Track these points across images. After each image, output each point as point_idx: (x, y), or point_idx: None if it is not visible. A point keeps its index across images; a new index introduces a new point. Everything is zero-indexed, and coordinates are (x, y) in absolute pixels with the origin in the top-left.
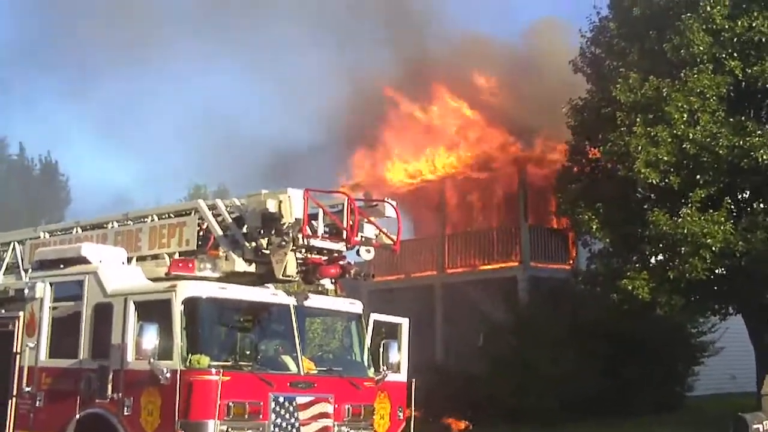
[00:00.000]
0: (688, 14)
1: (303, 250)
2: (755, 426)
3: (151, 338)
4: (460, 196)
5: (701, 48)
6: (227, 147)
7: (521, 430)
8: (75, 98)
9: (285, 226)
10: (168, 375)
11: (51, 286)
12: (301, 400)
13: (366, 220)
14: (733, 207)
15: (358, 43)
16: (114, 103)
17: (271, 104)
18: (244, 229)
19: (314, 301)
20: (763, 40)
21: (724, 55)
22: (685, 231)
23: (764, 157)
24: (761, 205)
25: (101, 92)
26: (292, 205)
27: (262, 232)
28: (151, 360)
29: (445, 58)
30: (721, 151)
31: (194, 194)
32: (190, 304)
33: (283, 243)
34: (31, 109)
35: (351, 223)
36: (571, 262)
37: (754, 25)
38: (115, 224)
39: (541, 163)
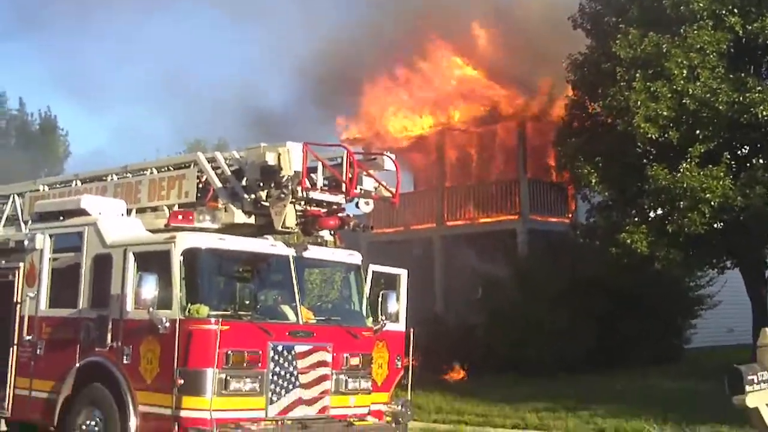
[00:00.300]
0: None
1: (302, 203)
2: (750, 377)
3: (150, 288)
4: (460, 149)
5: (701, 4)
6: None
7: (518, 382)
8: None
9: (284, 179)
10: (167, 324)
11: (51, 237)
12: (299, 348)
13: (365, 173)
14: (732, 162)
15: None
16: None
17: (269, 58)
18: (244, 182)
19: (313, 252)
20: None
21: (724, 12)
22: (684, 186)
23: (764, 113)
24: (760, 161)
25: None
26: (291, 158)
27: (261, 184)
28: (151, 309)
29: (443, 11)
30: (720, 107)
31: (193, 148)
32: (190, 254)
33: (282, 195)
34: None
35: (350, 175)
36: (570, 215)
37: None
38: (115, 177)
39: (541, 118)
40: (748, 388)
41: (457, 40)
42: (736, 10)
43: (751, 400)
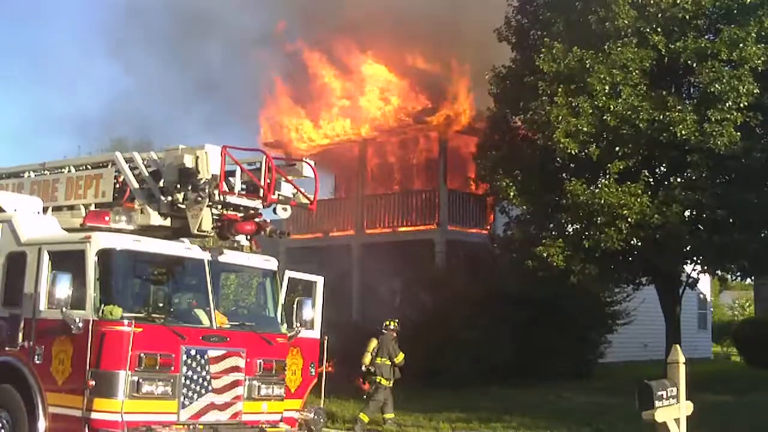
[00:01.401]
0: None
1: (219, 206)
2: (659, 392)
3: (64, 288)
4: (381, 157)
5: (626, 21)
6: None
7: (435, 391)
8: None
9: (201, 182)
10: (80, 325)
11: None
12: (212, 353)
13: (284, 178)
14: (650, 180)
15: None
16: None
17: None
18: (161, 183)
19: (229, 256)
20: (687, 17)
21: (648, 30)
22: (602, 201)
23: (683, 132)
24: (678, 179)
25: None
26: (209, 160)
27: (178, 186)
28: (64, 309)
29: (369, 19)
30: (641, 125)
31: (115, 146)
32: (104, 255)
33: (199, 198)
34: None
35: (268, 181)
36: (489, 227)
37: (678, 1)
38: (32, 174)
39: (463, 129)
40: (657, 403)
41: (382, 49)
42: (660, 29)
43: (660, 415)
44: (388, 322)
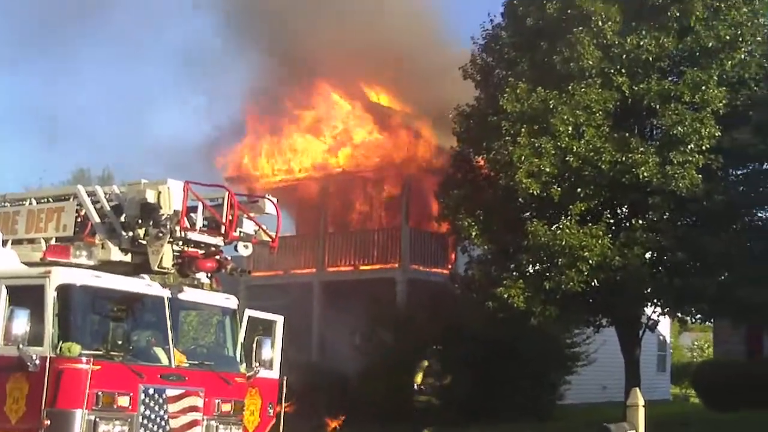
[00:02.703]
0: (580, 28)
1: (180, 243)
2: None
3: (21, 323)
4: (343, 195)
5: (591, 62)
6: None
7: (393, 429)
8: None
9: (163, 218)
10: (37, 362)
11: None
12: (171, 392)
13: (246, 215)
14: (611, 221)
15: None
16: None
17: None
18: (123, 218)
19: (189, 294)
20: (650, 59)
21: (612, 71)
22: (563, 243)
23: (645, 174)
24: (639, 222)
25: None
26: (171, 196)
27: (140, 221)
28: (20, 346)
29: (334, 57)
30: (603, 166)
31: (78, 178)
32: (64, 291)
33: (160, 234)
34: None
35: (230, 217)
36: (450, 266)
37: (641, 43)
38: None
39: (426, 167)
40: None
41: (346, 86)
42: (624, 70)
43: None
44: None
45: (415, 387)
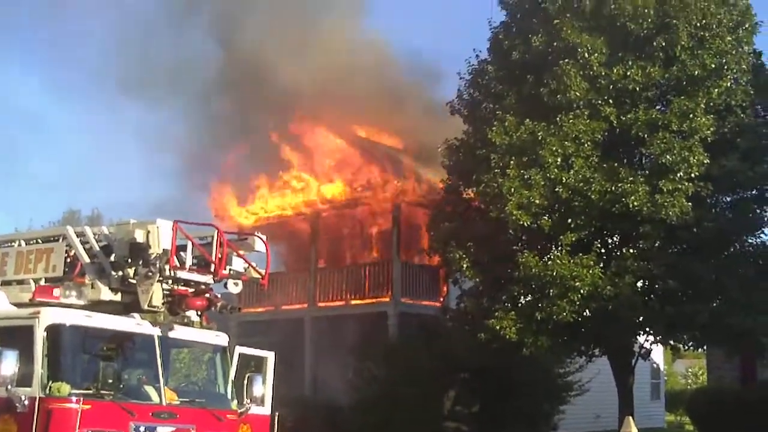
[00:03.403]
0: (566, 60)
1: (170, 282)
2: None
3: (10, 364)
4: (334, 230)
5: (578, 94)
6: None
7: None
8: None
9: (152, 257)
10: (26, 402)
11: None
12: (162, 430)
13: (235, 253)
14: (602, 251)
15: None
16: None
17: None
18: (112, 258)
19: (179, 332)
20: (637, 89)
21: (600, 102)
22: (554, 273)
23: (635, 203)
24: (630, 250)
25: None
26: (160, 235)
27: (129, 261)
28: (9, 387)
29: (321, 88)
30: (593, 196)
31: (68, 219)
32: (53, 331)
33: (150, 273)
34: None
35: (219, 256)
36: (442, 299)
37: (628, 73)
38: None
39: (416, 201)
40: None
41: (333, 120)
42: (611, 101)
43: None
44: None
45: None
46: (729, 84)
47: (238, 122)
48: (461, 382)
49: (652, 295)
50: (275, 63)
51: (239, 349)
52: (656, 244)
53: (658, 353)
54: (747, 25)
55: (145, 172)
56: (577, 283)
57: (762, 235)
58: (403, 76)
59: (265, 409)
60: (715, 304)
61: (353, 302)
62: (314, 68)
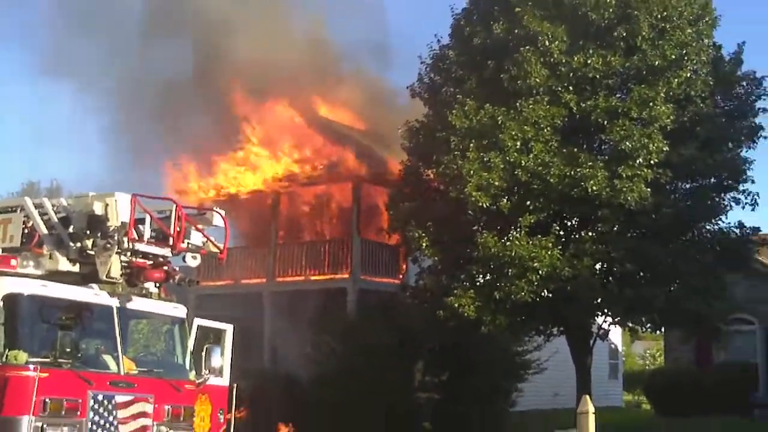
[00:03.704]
0: (527, 47)
1: (128, 254)
2: None
3: None
4: (294, 205)
5: (538, 80)
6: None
7: None
8: None
9: (111, 229)
10: None
11: None
12: (120, 398)
13: (194, 227)
14: (561, 233)
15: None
16: None
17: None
18: (70, 230)
19: (137, 303)
20: (597, 76)
21: (560, 88)
22: (513, 254)
23: (593, 187)
24: (589, 233)
25: None
26: (119, 208)
27: (87, 233)
28: None
29: (285, 65)
30: (552, 180)
31: (26, 191)
32: (10, 300)
33: (108, 245)
34: None
35: (178, 229)
36: (401, 276)
37: (589, 62)
38: None
39: (376, 179)
40: None
41: (296, 97)
42: (571, 88)
43: None
44: None
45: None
46: (689, 74)
47: (194, 96)
48: (419, 358)
49: (610, 278)
50: (236, 33)
51: (198, 321)
52: (615, 228)
53: (616, 334)
54: (707, 19)
55: (101, 147)
56: (536, 264)
57: (720, 222)
58: (364, 58)
59: (224, 381)
60: (672, 289)
61: (312, 278)
62: (274, 44)
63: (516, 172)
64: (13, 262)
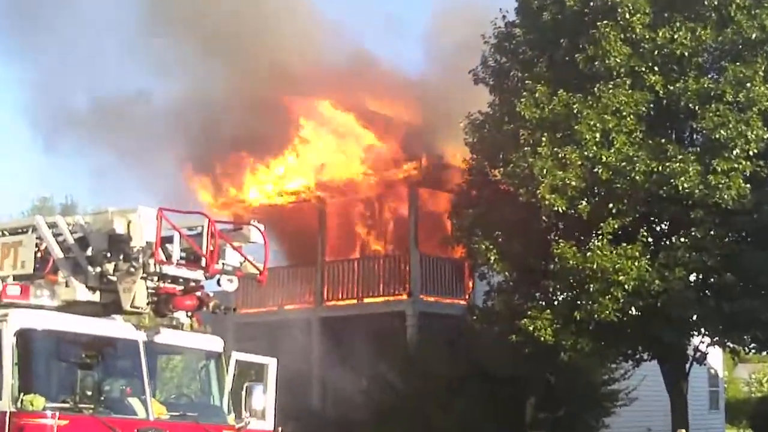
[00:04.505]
0: (605, 22)
1: (155, 278)
2: None
3: None
4: (343, 218)
5: (618, 60)
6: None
7: None
8: None
9: (134, 250)
10: None
11: None
12: None
13: (229, 245)
14: (649, 240)
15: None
16: None
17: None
18: (89, 252)
19: (167, 336)
20: (686, 54)
21: (643, 69)
22: (595, 266)
23: (685, 185)
24: (680, 239)
25: None
26: (143, 225)
27: (108, 255)
28: None
29: (330, 66)
30: (637, 177)
31: (39, 207)
32: (24, 336)
33: (132, 269)
34: None
35: (211, 248)
36: (467, 296)
37: (676, 37)
38: None
39: (437, 185)
40: None
41: (343, 95)
42: (656, 68)
43: None
44: None
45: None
46: None
47: (226, 99)
48: (489, 391)
49: (706, 290)
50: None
51: (236, 355)
52: (710, 232)
53: (716, 357)
54: None
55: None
56: (621, 277)
57: None
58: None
59: (267, 424)
60: None
61: (366, 300)
62: (310, 39)
63: (596, 170)
64: (26, 291)
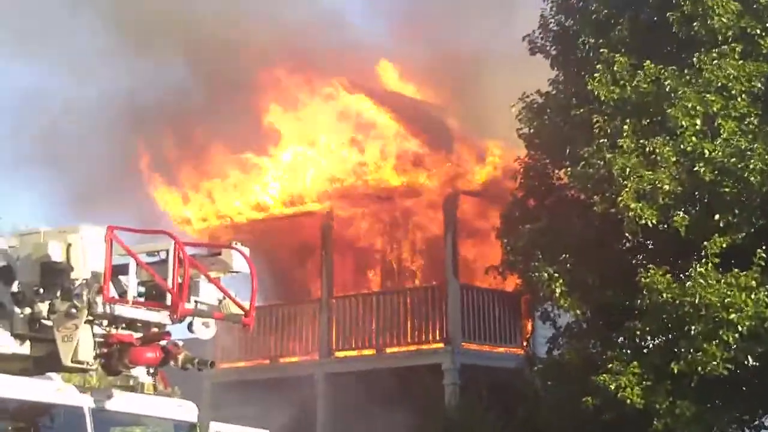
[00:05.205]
0: None
1: (104, 323)
2: None
3: None
4: (356, 238)
5: (724, 20)
6: None
7: None
8: None
9: (76, 284)
10: None
11: None
12: None
13: (204, 275)
14: None
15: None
16: None
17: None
18: (14, 287)
19: (121, 401)
20: None
21: (758, 31)
22: (697, 301)
23: None
24: None
25: None
26: (87, 250)
27: (41, 291)
28: None
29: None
30: (752, 178)
31: None
32: None
33: (73, 310)
34: None
35: (179, 280)
36: (525, 343)
37: None
38: None
39: (483, 192)
40: None
41: (359, 76)
42: None
43: None
44: None
45: None
46: None
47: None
48: None
49: None
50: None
51: (216, 426)
52: None
53: None
54: None
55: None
56: (733, 315)
57: None
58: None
59: None
60: None
61: (389, 350)
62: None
63: (696, 168)
64: None
